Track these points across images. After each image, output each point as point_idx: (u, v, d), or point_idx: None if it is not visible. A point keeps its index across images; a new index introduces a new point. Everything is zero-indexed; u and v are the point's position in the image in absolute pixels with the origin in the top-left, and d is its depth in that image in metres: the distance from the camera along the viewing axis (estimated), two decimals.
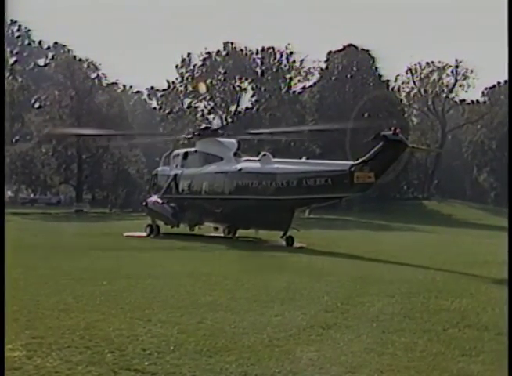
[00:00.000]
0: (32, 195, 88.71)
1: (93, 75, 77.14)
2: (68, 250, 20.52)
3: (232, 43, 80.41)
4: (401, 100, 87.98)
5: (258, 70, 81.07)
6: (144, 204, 31.64)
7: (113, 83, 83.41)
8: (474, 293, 12.63)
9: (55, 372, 6.34)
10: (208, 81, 79.74)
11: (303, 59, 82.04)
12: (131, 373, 6.42)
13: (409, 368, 6.91)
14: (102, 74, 78.15)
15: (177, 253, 21.31)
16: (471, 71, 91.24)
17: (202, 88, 79.28)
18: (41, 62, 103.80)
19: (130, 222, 42.87)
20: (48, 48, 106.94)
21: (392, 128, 22.37)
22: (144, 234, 29.26)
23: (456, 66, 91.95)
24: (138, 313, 9.34)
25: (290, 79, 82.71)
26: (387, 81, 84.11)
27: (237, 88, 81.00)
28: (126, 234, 29.20)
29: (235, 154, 29.01)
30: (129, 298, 10.71)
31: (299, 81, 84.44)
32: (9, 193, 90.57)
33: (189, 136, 33.75)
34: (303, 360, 7.07)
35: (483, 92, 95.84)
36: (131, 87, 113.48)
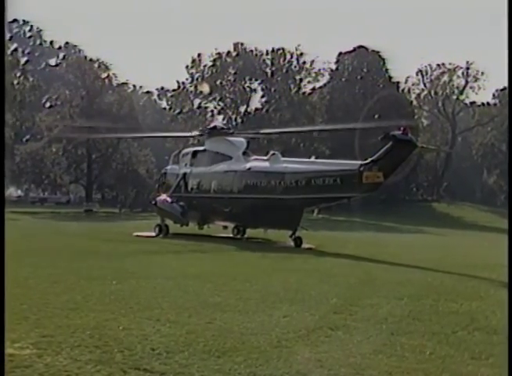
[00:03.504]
0: (42, 194, 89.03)
1: (104, 75, 77.44)
2: (77, 249, 20.57)
3: (242, 44, 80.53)
4: (411, 102, 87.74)
5: (268, 70, 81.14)
6: (153, 202, 31.70)
7: (123, 83, 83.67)
8: (484, 296, 12.59)
9: (65, 371, 6.35)
10: (218, 82, 79.85)
11: (313, 60, 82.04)
12: (140, 372, 6.43)
13: (417, 370, 6.89)
14: (113, 74, 78.47)
15: (185, 254, 21.33)
16: (482, 73, 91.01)
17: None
18: (53, 62, 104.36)
19: (139, 222, 42.97)
20: (60, 48, 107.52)
21: (401, 128, 22.25)
22: (153, 234, 29.34)
23: (467, 68, 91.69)
24: (147, 313, 9.35)
25: (300, 80, 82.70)
26: (398, 82, 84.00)
27: (247, 89, 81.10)
28: (135, 234, 29.29)
29: (244, 153, 29.02)
30: (138, 297, 10.74)
31: (309, 82, 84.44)
32: (19, 192, 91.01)
33: (198, 133, 33.78)
34: (311, 361, 7.07)
35: (494, 94, 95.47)
36: (141, 87, 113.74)
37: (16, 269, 12.45)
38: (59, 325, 8.32)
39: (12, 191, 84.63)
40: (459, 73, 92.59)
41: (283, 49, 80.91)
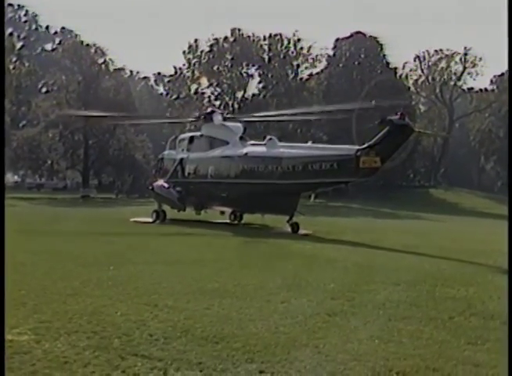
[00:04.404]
0: (39, 180, 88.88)
1: (100, 60, 77.06)
2: (74, 235, 20.56)
3: (239, 29, 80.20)
4: (408, 88, 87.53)
5: (265, 56, 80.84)
6: (150, 188, 31.62)
7: (120, 68, 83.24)
8: (481, 282, 12.61)
9: (63, 357, 6.35)
10: (215, 68, 79.56)
11: (310, 46, 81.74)
12: (138, 358, 6.43)
13: (414, 356, 6.91)
14: (110, 59, 78.07)
15: (183, 240, 21.33)
16: (480, 59, 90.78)
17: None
18: (49, 47, 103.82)
19: (136, 208, 42.99)
20: (56, 33, 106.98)
21: (398, 113, 22.15)
22: (150, 220, 29.33)
23: (465, 54, 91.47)
24: (145, 299, 9.36)
25: (298, 66, 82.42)
26: (395, 68, 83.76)
27: (244, 75, 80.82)
28: (132, 219, 29.30)
29: (241, 138, 28.95)
30: (136, 283, 10.75)
31: (306, 67, 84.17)
32: (15, 178, 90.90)
33: (194, 119, 33.60)
34: (309, 347, 7.09)
35: (491, 80, 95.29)
36: (138, 72, 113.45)
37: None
38: (57, 311, 8.31)
39: (8, 177, 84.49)
40: (457, 59, 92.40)
41: (281, 35, 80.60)
